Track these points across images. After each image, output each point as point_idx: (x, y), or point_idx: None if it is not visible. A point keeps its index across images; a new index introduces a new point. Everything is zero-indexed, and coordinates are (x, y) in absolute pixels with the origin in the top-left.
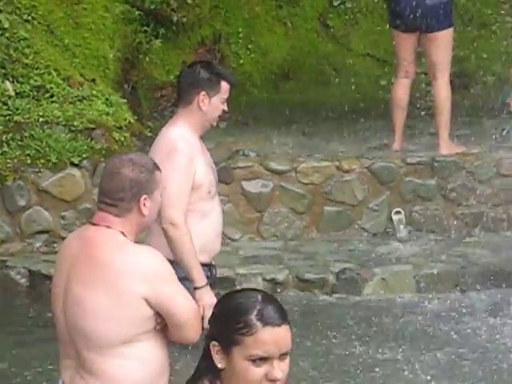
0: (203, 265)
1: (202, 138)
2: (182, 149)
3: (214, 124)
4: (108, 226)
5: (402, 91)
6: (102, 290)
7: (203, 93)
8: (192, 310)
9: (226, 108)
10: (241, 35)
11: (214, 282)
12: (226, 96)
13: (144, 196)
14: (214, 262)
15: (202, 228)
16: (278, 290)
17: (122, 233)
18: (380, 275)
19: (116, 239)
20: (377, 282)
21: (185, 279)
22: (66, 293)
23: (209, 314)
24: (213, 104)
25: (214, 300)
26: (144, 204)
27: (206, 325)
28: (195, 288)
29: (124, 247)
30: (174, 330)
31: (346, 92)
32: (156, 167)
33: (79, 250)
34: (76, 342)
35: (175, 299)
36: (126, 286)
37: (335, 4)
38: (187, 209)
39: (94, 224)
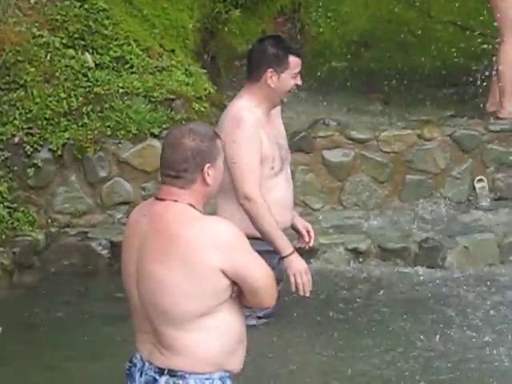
0: None
1: (282, 108)
2: (247, 119)
3: (285, 99)
4: (175, 200)
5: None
6: (178, 266)
7: (270, 70)
8: (267, 275)
9: (299, 82)
10: (320, 3)
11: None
12: (297, 70)
13: (207, 165)
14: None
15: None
16: (360, 260)
17: (191, 205)
18: (463, 244)
19: (187, 213)
20: (459, 250)
21: (267, 252)
22: (139, 270)
23: (301, 280)
24: (282, 80)
25: (305, 266)
26: (208, 173)
27: (302, 292)
28: (282, 257)
29: (196, 220)
30: (250, 297)
31: (427, 60)
32: (216, 135)
33: (150, 227)
34: (153, 319)
35: (251, 266)
36: (202, 260)
37: None
38: None
39: (161, 199)
